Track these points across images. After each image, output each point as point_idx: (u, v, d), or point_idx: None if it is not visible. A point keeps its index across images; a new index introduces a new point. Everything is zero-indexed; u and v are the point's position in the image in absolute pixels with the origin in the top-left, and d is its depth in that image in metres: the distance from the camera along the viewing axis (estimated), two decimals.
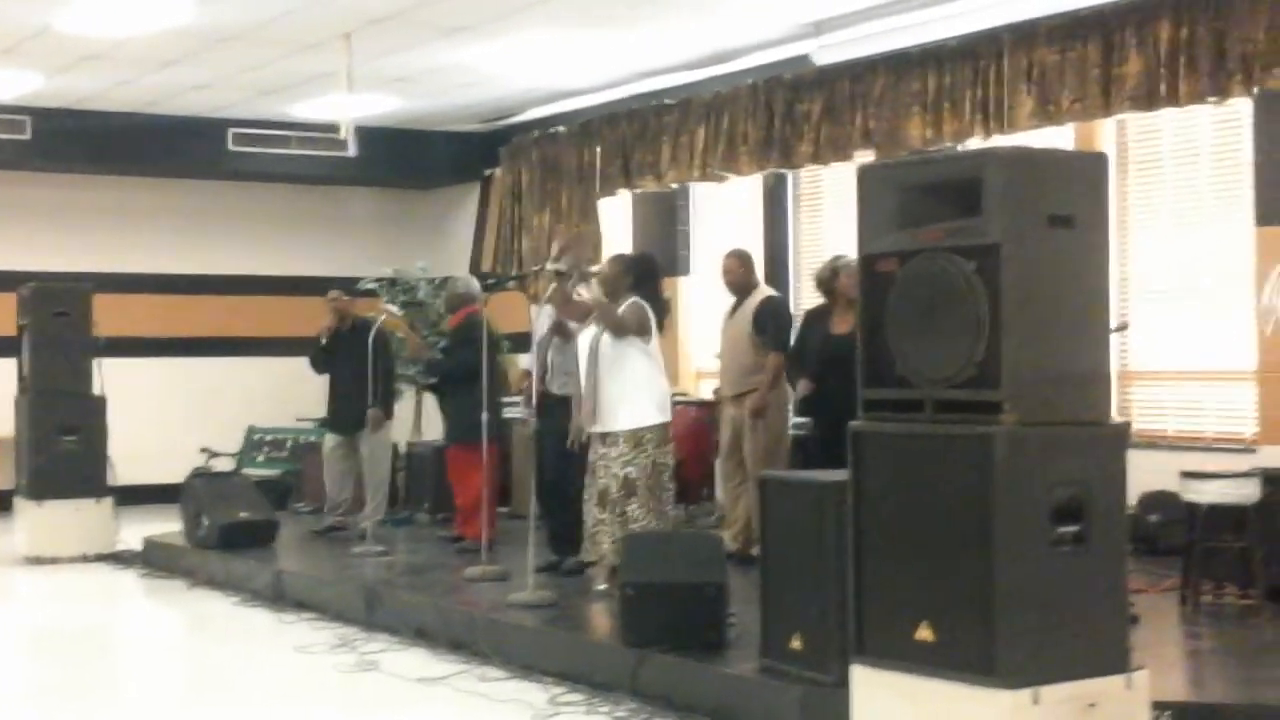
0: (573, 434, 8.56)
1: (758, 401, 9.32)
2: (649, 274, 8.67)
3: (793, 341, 9.46)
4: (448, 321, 11.03)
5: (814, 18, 10.97)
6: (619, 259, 8.80)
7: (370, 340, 10.87)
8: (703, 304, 13.09)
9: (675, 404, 9.31)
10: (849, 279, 8.94)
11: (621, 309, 8.33)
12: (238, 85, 13.13)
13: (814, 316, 9.43)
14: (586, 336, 8.52)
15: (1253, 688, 6.55)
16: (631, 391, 8.23)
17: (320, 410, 12.29)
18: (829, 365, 8.77)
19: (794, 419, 9.81)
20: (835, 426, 8.10)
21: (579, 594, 8.53)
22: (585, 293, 8.82)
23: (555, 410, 9.07)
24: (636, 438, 8.21)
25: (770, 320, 9.43)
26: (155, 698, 7.66)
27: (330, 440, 11.80)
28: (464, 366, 10.12)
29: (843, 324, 8.92)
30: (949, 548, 5.08)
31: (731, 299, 9.79)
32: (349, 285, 12.49)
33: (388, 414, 11.46)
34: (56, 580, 11.27)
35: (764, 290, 9.76)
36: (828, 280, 9.23)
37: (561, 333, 9.14)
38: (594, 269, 9.04)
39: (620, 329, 8.26)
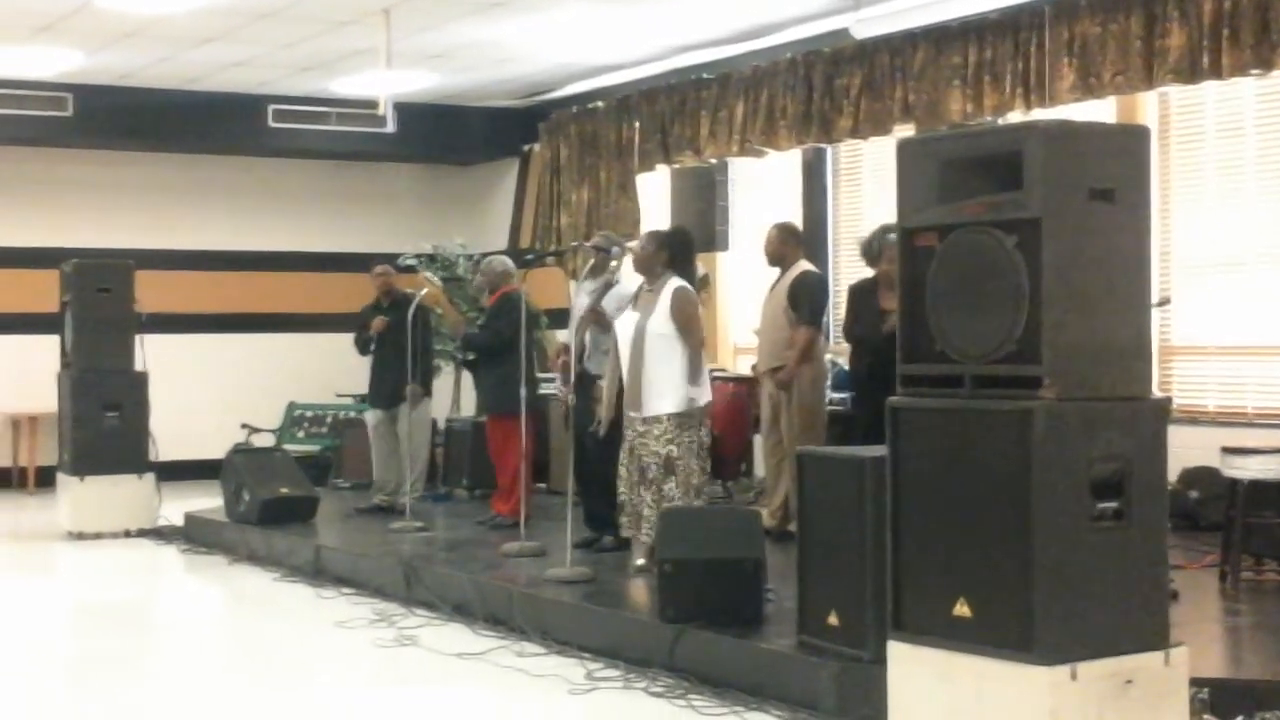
0: (599, 418, 8.51)
1: (784, 376, 9.23)
2: (684, 249, 8.60)
3: (836, 317, 9.24)
4: (486, 300, 11.04)
5: None
6: (654, 235, 8.70)
7: (410, 315, 10.91)
8: (741, 280, 13.06)
9: (714, 380, 9.28)
10: (891, 265, 8.52)
11: (671, 301, 8.20)
12: (277, 62, 13.16)
13: (863, 291, 8.74)
14: (627, 322, 8.42)
15: None
16: (677, 376, 8.14)
17: (361, 386, 12.35)
18: (886, 341, 8.46)
19: (831, 394, 9.74)
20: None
21: (616, 570, 8.53)
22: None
23: (592, 389, 9.06)
24: (680, 419, 8.15)
25: (804, 295, 9.28)
26: (195, 672, 7.70)
27: (371, 417, 11.85)
28: (499, 337, 10.13)
29: (891, 301, 8.55)
30: (988, 523, 5.06)
31: (775, 274, 9.70)
32: (390, 261, 12.50)
33: (426, 390, 11.49)
34: (99, 555, 11.35)
35: (802, 265, 9.65)
36: (875, 253, 8.86)
37: (599, 322, 9.09)
38: (630, 244, 9.00)
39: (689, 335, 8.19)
